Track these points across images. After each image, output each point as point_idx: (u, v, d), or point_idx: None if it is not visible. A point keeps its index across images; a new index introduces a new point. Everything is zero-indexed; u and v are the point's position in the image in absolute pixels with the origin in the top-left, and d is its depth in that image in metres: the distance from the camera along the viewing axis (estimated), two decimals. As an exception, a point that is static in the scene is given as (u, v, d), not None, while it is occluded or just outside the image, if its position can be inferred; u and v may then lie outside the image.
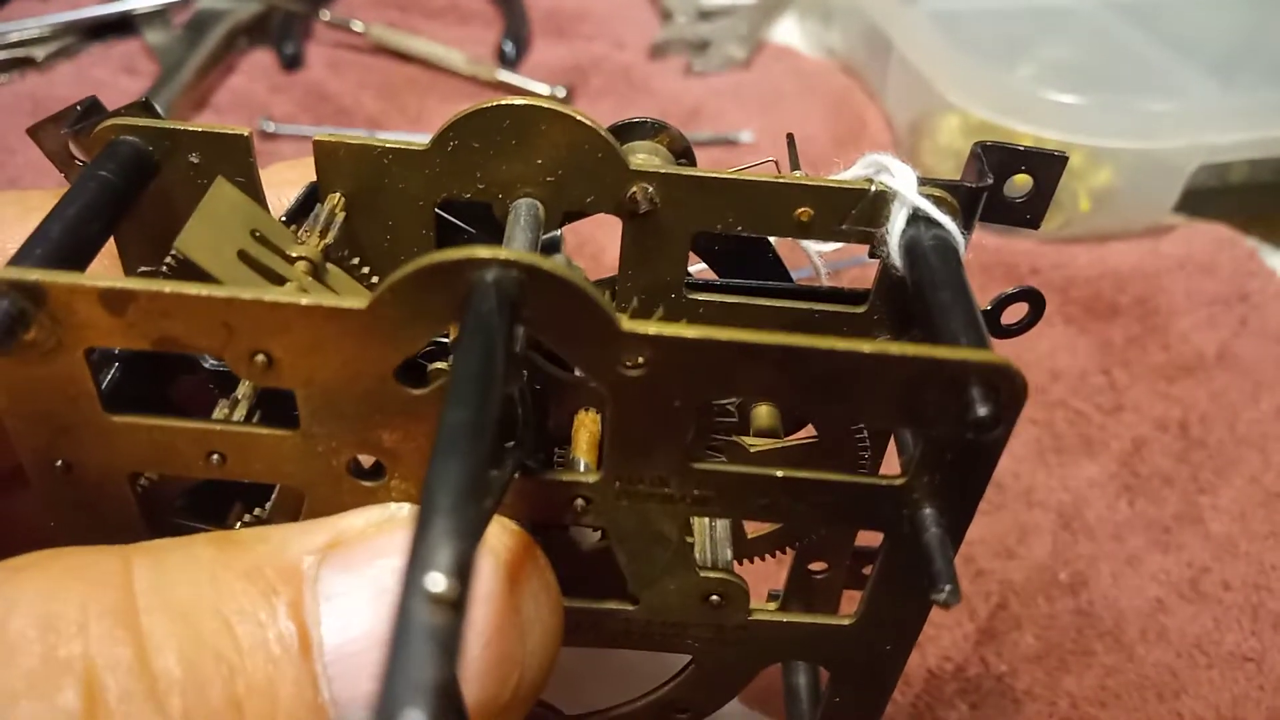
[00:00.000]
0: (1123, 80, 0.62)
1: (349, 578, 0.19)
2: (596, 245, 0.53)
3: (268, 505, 0.23)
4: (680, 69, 0.74)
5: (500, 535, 0.20)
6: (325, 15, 0.74)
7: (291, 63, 0.72)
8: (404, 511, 0.20)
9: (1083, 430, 0.50)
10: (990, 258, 0.57)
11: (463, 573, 0.12)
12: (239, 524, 0.23)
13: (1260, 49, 0.66)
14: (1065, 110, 0.57)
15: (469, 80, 0.71)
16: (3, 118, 0.66)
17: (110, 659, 0.17)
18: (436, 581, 0.12)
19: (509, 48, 0.74)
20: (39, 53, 0.71)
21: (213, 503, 0.24)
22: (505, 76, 0.70)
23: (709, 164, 0.69)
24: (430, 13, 0.79)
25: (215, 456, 0.20)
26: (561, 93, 0.69)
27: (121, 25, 0.74)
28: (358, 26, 0.73)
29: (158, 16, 0.74)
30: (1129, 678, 0.40)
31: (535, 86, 0.70)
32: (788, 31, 0.80)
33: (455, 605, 0.12)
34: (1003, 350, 0.18)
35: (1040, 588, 0.43)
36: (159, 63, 0.70)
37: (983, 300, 0.55)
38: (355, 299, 0.17)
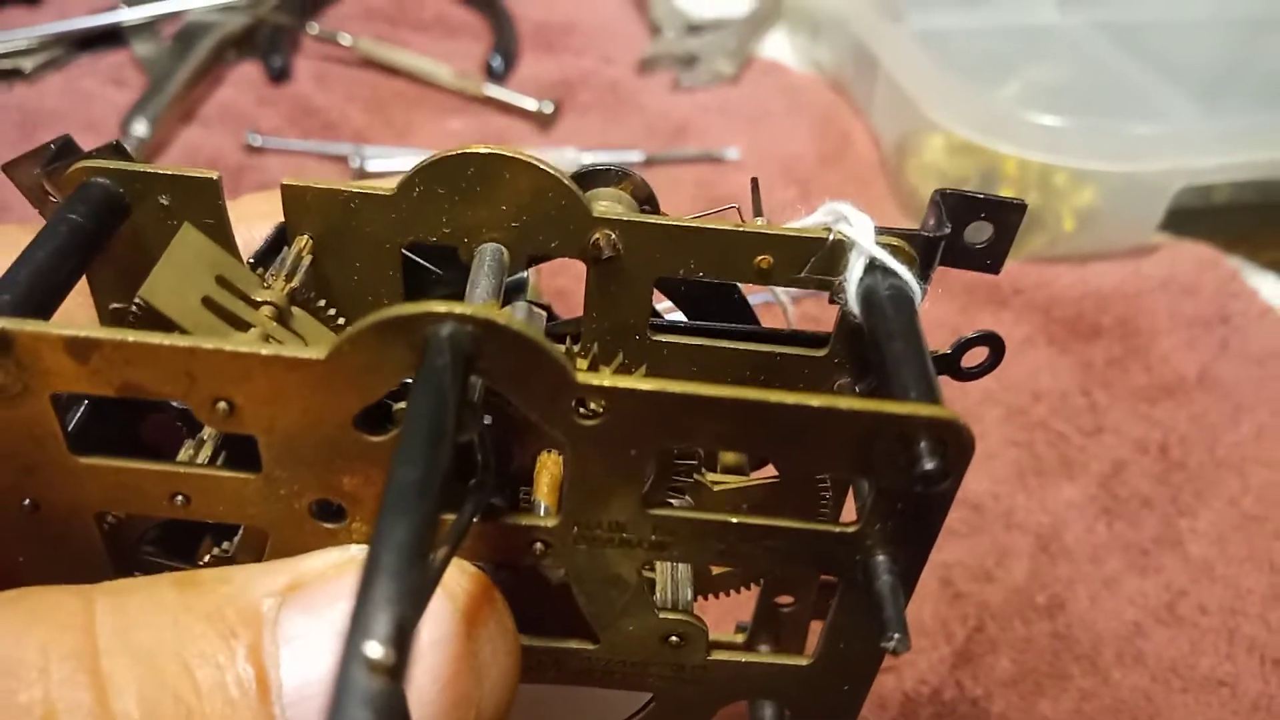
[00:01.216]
0: (1107, 102, 0.62)
1: (308, 620, 0.19)
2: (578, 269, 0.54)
3: (234, 541, 0.23)
4: (668, 84, 0.74)
5: (459, 578, 0.20)
6: (313, 28, 0.74)
7: (279, 76, 0.72)
8: (363, 554, 0.20)
9: (1063, 452, 0.50)
10: (973, 277, 0.56)
11: (401, 641, 0.12)
12: (209, 557, 0.24)
13: (1244, 72, 0.67)
14: (1049, 131, 0.57)
15: (456, 94, 0.72)
16: (-9, 129, 0.66)
17: (71, 703, 0.17)
18: (374, 649, 0.12)
19: (497, 62, 0.74)
20: (27, 64, 0.71)
21: (183, 536, 0.24)
22: (492, 91, 0.71)
23: (695, 181, 0.68)
24: (418, 26, 0.79)
25: (180, 498, 0.20)
26: (549, 108, 0.69)
27: (110, 37, 0.74)
28: (345, 40, 0.73)
29: (146, 29, 0.74)
30: (1105, 702, 0.41)
31: (523, 101, 0.70)
32: (776, 46, 0.80)
33: (392, 672, 0.12)
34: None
35: (1017, 610, 0.44)
36: (147, 74, 0.70)
37: (963, 326, 0.55)
38: (314, 349, 0.17)
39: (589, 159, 0.64)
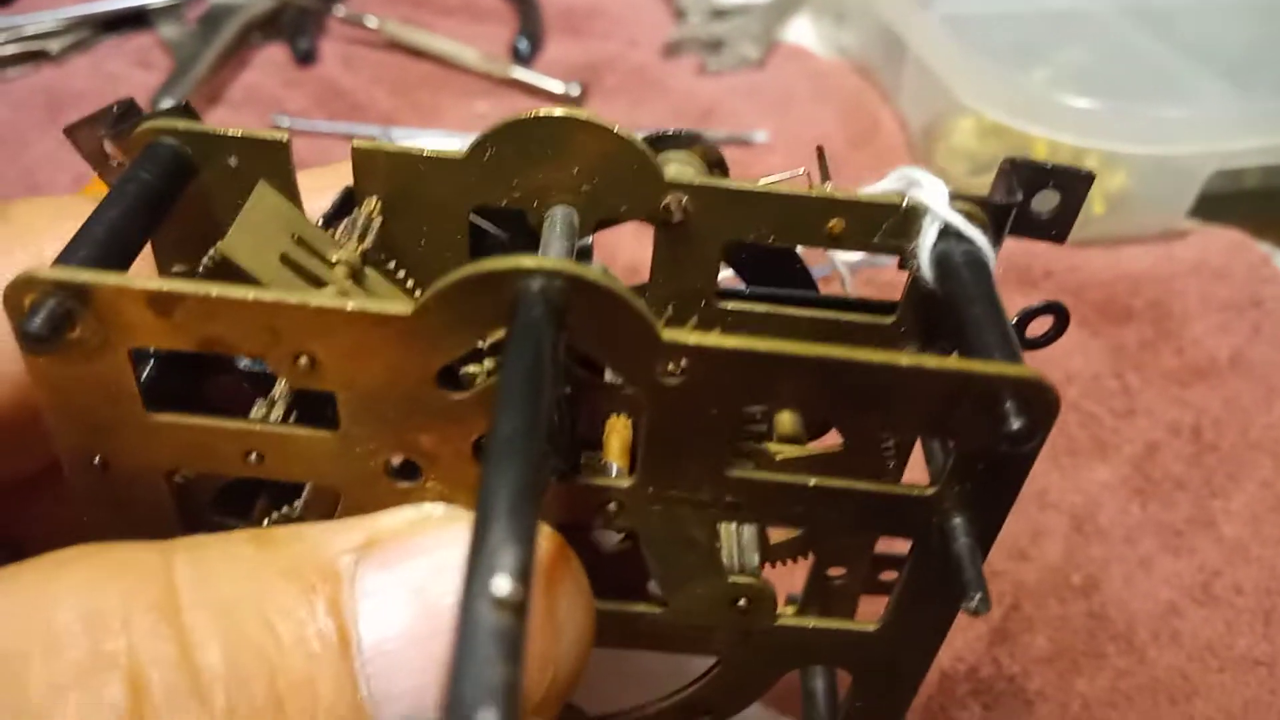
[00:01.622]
0: (1138, 85, 0.62)
1: (386, 576, 0.19)
2: (611, 245, 0.54)
3: (298, 503, 0.23)
4: (694, 68, 0.74)
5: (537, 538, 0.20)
6: (339, 11, 0.74)
7: (305, 58, 0.72)
8: (439, 511, 0.21)
9: (1095, 433, 0.50)
10: (1004, 260, 0.56)
11: (525, 576, 0.12)
12: (266, 520, 0.24)
13: (1275, 56, 0.66)
14: (1080, 114, 0.57)
15: (483, 77, 0.72)
16: (18, 111, 0.66)
17: (154, 654, 0.17)
18: (501, 585, 0.12)
19: (523, 45, 0.74)
20: (54, 46, 0.71)
21: (239, 498, 0.24)
22: (519, 74, 0.71)
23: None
24: (444, 9, 0.79)
25: (254, 455, 0.20)
26: (576, 90, 0.69)
27: (135, 19, 0.74)
28: (371, 22, 0.73)
29: (171, 11, 0.74)
30: (1141, 680, 0.41)
31: (549, 84, 0.70)
32: (801, 31, 0.80)
33: (518, 608, 0.12)
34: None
35: (1052, 590, 0.44)
36: (173, 57, 0.70)
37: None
38: (400, 304, 0.17)
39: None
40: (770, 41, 0.77)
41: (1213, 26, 0.66)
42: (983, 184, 0.24)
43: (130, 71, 0.70)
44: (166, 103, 0.65)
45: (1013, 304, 0.62)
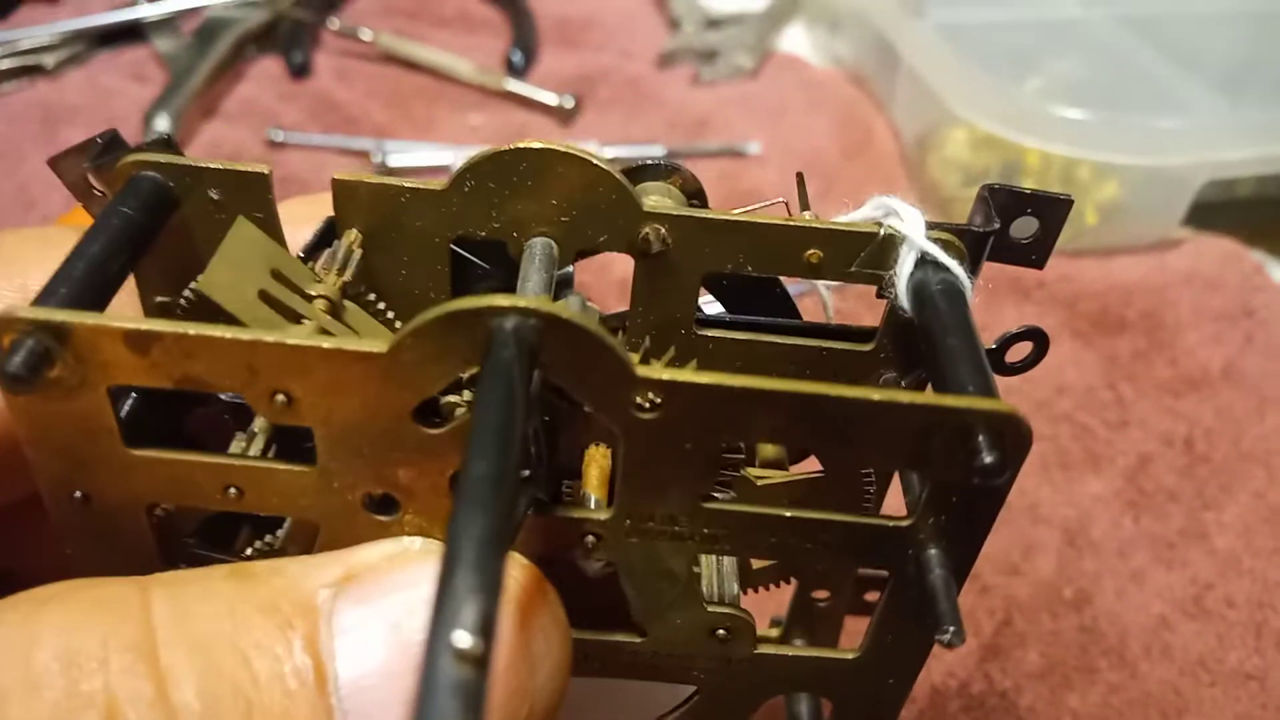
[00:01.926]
0: (1130, 95, 0.62)
1: (363, 611, 0.19)
2: (603, 259, 0.54)
3: (279, 534, 0.23)
4: (688, 78, 0.74)
5: (512, 571, 0.20)
6: (334, 24, 0.75)
7: (300, 71, 0.72)
8: (416, 545, 0.21)
9: (1088, 445, 0.50)
10: (996, 272, 0.56)
11: (487, 629, 0.12)
12: (249, 550, 0.24)
13: (1267, 66, 0.66)
14: (1073, 125, 0.57)
15: (477, 89, 0.72)
16: (14, 125, 0.66)
17: (131, 693, 0.18)
18: (462, 639, 0.12)
19: (517, 57, 0.74)
20: (49, 60, 0.71)
21: (222, 530, 0.24)
22: (513, 86, 0.71)
23: (717, 175, 0.69)
24: (439, 22, 0.79)
25: (233, 490, 0.20)
26: (570, 103, 0.69)
27: (131, 33, 0.75)
28: (366, 35, 0.73)
29: (167, 24, 0.75)
30: (1132, 695, 0.41)
31: (543, 96, 0.70)
32: (795, 41, 0.80)
33: (479, 661, 0.12)
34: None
35: (1045, 604, 0.44)
36: (168, 70, 0.71)
37: (987, 319, 0.55)
38: (376, 343, 0.18)
39: (611, 153, 0.65)
40: (764, 51, 0.77)
41: (1205, 37, 0.66)
42: (974, 195, 0.24)
43: (125, 85, 0.70)
44: (161, 117, 0.65)
45: (1005, 314, 0.62)
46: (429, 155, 0.64)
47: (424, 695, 0.12)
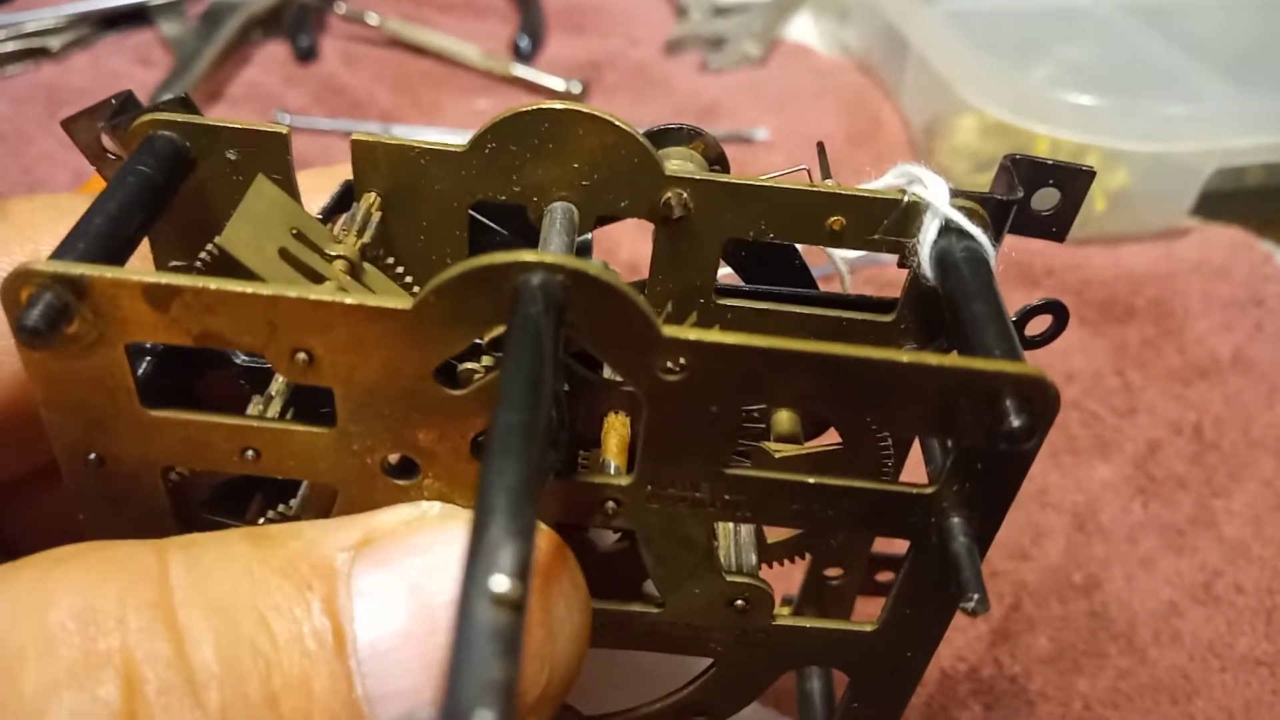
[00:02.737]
0: (1139, 82, 0.62)
1: (382, 575, 0.19)
2: (611, 240, 0.54)
3: (294, 501, 0.23)
4: (695, 65, 0.74)
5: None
6: (340, 8, 0.74)
7: (306, 55, 0.72)
8: (435, 510, 0.20)
9: (1097, 432, 0.50)
10: (1005, 258, 0.56)
11: (524, 573, 0.12)
12: (261, 519, 0.23)
13: (1276, 53, 0.66)
14: (1082, 112, 0.57)
15: (483, 74, 0.72)
16: (19, 107, 0.66)
17: (149, 652, 0.17)
18: (500, 582, 0.12)
19: (524, 42, 0.74)
20: (54, 43, 0.71)
21: (235, 497, 0.24)
22: (520, 71, 0.70)
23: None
24: (445, 6, 0.79)
25: (250, 452, 0.20)
26: (577, 88, 0.69)
27: (136, 16, 0.74)
28: (372, 19, 0.73)
29: (172, 8, 0.74)
30: (1142, 680, 0.41)
31: (550, 81, 0.70)
32: (803, 29, 0.80)
33: (517, 605, 0.12)
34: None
35: (1054, 589, 0.43)
36: (173, 54, 0.70)
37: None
38: (400, 299, 0.17)
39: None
40: (772, 39, 0.77)
41: (1214, 23, 0.66)
42: (984, 182, 0.24)
43: (131, 69, 0.70)
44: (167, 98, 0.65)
45: (1014, 302, 0.62)
46: (435, 140, 0.64)
47: (461, 640, 0.11)
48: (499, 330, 0.17)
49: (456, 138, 0.69)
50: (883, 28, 0.69)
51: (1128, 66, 0.64)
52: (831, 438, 0.26)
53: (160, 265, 0.25)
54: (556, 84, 0.69)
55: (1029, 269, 0.57)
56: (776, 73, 0.74)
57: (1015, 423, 0.17)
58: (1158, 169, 0.57)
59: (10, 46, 0.70)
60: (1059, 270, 0.57)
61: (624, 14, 0.79)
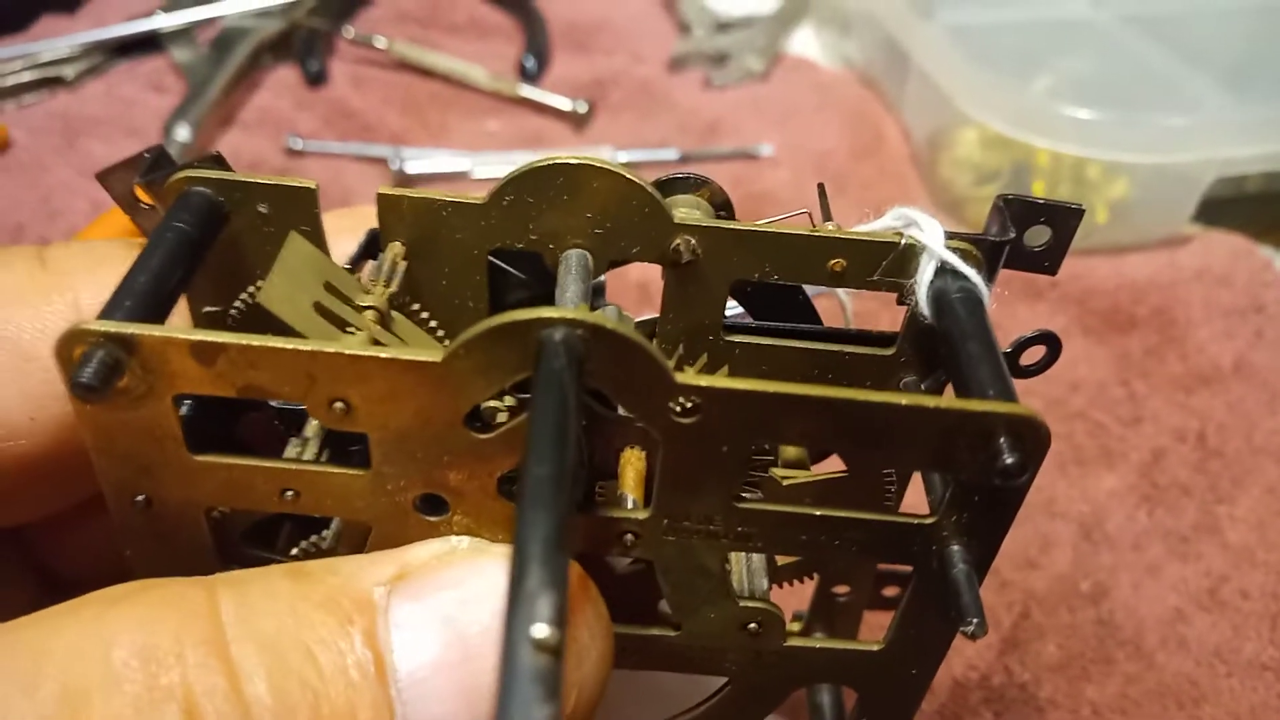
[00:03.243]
0: (1139, 94, 0.62)
1: (417, 607, 0.20)
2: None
3: (327, 533, 0.24)
4: (699, 82, 0.75)
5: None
6: (348, 32, 0.76)
7: (316, 79, 0.73)
8: (464, 544, 0.22)
9: (1102, 441, 0.51)
10: (1008, 270, 0.58)
11: (561, 620, 0.13)
12: (295, 549, 0.25)
13: (1275, 62, 0.67)
14: (1082, 124, 0.57)
15: (491, 95, 0.73)
16: (36, 136, 0.67)
17: (207, 686, 0.19)
18: (540, 630, 0.13)
19: (530, 63, 0.75)
20: (69, 71, 0.72)
21: (265, 530, 0.25)
22: (526, 92, 0.72)
23: (731, 178, 0.70)
24: (451, 28, 0.80)
25: (290, 493, 0.21)
26: (583, 107, 0.70)
27: (148, 43, 0.75)
28: (380, 43, 0.74)
29: (183, 35, 0.76)
30: (1149, 686, 0.41)
31: (557, 101, 0.71)
32: (805, 43, 0.81)
33: (555, 651, 0.13)
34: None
35: (1062, 598, 0.44)
36: (186, 80, 0.72)
37: (1001, 318, 0.56)
38: (431, 352, 0.19)
39: (625, 158, 0.65)
40: (774, 54, 0.78)
41: (1212, 34, 0.67)
42: (987, 195, 0.25)
43: (144, 95, 0.71)
44: (181, 127, 0.66)
45: (1018, 312, 0.62)
46: (446, 161, 0.65)
47: (507, 683, 0.13)
48: (522, 375, 0.19)
49: (467, 159, 0.69)
50: (883, 41, 0.70)
51: (1127, 78, 0.64)
52: (836, 463, 0.27)
53: (194, 311, 0.26)
54: (563, 104, 0.71)
55: (1033, 281, 0.58)
56: (779, 87, 0.75)
57: (1009, 460, 0.18)
58: (1158, 179, 0.58)
59: (26, 76, 0.71)
60: (1062, 281, 0.58)
61: (627, 31, 0.80)
